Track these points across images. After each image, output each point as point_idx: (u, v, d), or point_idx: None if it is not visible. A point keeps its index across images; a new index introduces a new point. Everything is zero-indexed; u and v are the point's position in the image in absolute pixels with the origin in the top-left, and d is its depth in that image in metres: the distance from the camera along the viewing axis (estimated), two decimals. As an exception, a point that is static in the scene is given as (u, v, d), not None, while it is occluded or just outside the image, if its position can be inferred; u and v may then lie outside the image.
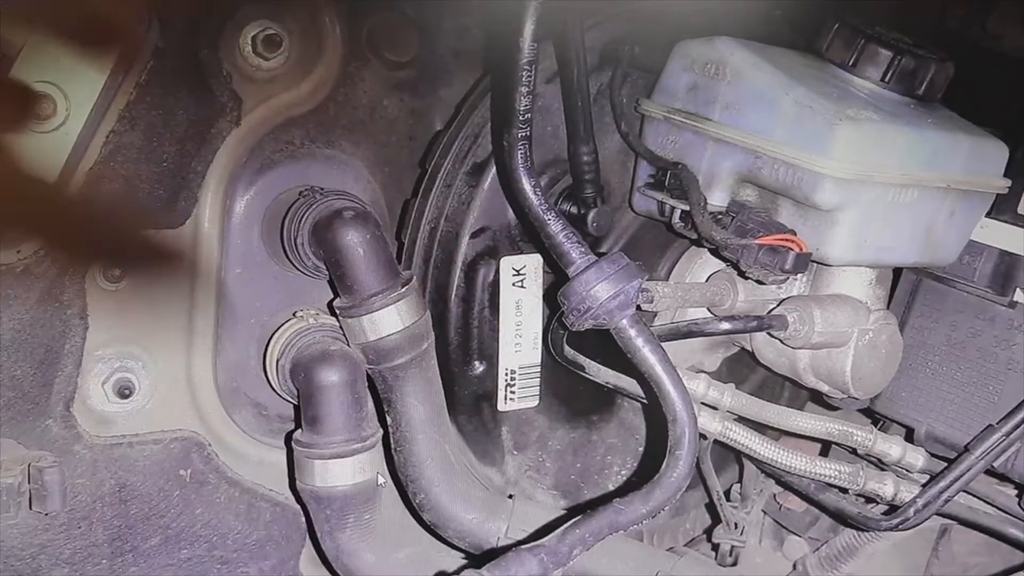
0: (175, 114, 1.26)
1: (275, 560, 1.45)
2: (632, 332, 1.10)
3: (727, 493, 1.62)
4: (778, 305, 1.34)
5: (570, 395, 1.56)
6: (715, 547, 1.61)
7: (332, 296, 1.33)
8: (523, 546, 1.02)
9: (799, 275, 1.39)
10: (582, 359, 1.41)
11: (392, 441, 1.32)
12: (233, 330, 1.36)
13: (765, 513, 1.66)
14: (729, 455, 1.67)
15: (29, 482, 1.23)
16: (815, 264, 1.34)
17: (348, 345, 1.29)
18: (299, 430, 1.29)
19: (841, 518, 1.47)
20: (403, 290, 1.25)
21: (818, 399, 1.59)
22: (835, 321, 1.31)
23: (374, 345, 1.26)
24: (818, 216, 1.25)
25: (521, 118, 1.10)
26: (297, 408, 1.30)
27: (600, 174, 1.38)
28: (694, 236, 1.33)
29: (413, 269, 1.42)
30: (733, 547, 1.59)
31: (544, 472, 1.57)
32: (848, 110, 1.21)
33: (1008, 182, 1.36)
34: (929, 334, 1.44)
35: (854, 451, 1.40)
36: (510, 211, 1.41)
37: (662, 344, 1.12)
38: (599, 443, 1.62)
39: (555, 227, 1.11)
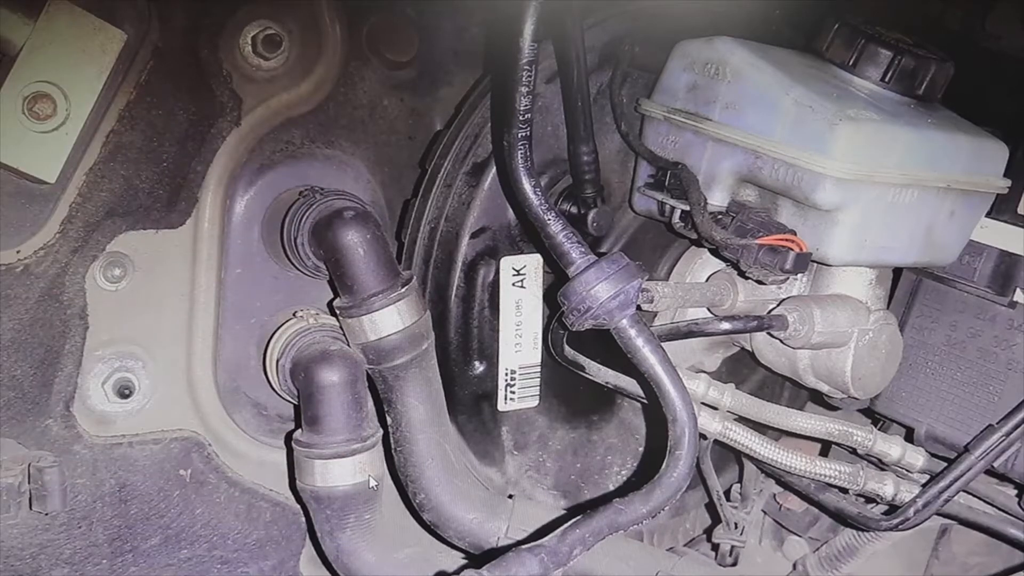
0: (175, 114, 1.26)
1: (275, 560, 1.45)
2: (632, 332, 1.10)
3: (727, 493, 1.62)
4: (778, 305, 1.34)
5: (570, 395, 1.56)
6: (715, 547, 1.61)
7: (332, 296, 1.33)
8: (523, 546, 1.02)
9: (799, 275, 1.39)
10: (582, 359, 1.41)
11: (392, 441, 1.32)
12: (233, 330, 1.36)
13: (765, 513, 1.66)
14: (729, 455, 1.67)
15: (29, 482, 1.23)
16: (815, 264, 1.34)
17: (348, 345, 1.29)
18: (299, 430, 1.29)
19: (841, 518, 1.47)
20: (403, 290, 1.25)
21: (818, 399, 1.59)
22: (835, 321, 1.31)
23: (374, 345, 1.26)
24: (818, 216, 1.25)
25: (521, 118, 1.10)
26: (297, 408, 1.30)
27: (600, 174, 1.38)
28: (694, 236, 1.33)
29: (413, 269, 1.42)
30: (733, 547, 1.59)
31: (544, 472, 1.57)
32: (848, 110, 1.21)
33: (1008, 182, 1.36)
34: (929, 334, 1.44)
35: (854, 451, 1.40)
36: (510, 211, 1.41)
37: (662, 344, 1.12)
38: (599, 443, 1.62)
39: (555, 227, 1.11)
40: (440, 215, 1.40)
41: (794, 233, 1.25)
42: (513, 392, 1.48)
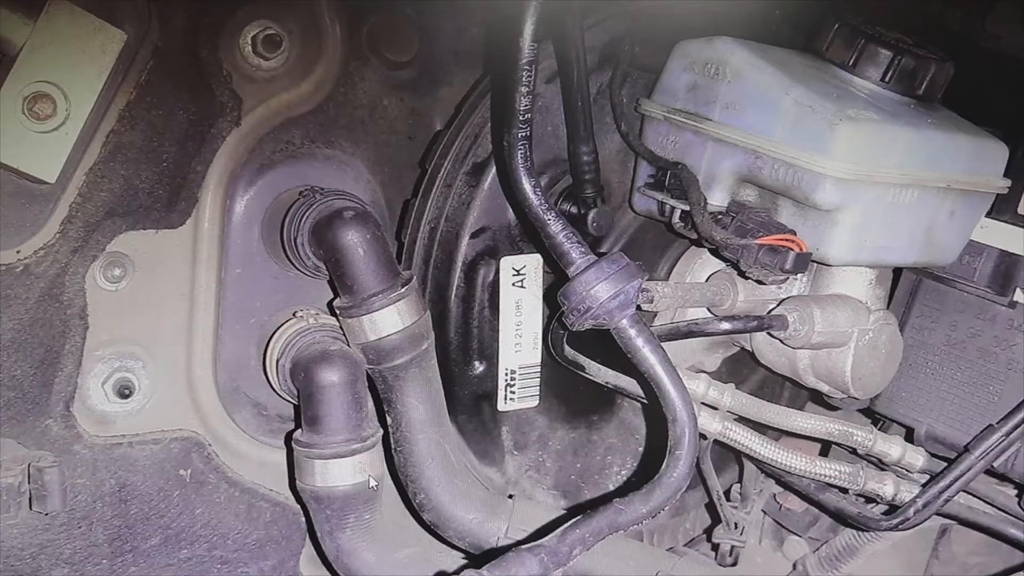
0: (175, 114, 1.26)
1: (275, 560, 1.45)
2: (632, 332, 1.10)
3: (727, 493, 1.62)
4: (778, 305, 1.34)
5: (570, 395, 1.56)
6: (715, 547, 1.61)
7: (332, 296, 1.33)
8: (523, 546, 1.02)
9: (799, 275, 1.39)
10: (582, 359, 1.41)
11: (392, 441, 1.32)
12: (233, 330, 1.36)
13: (765, 513, 1.66)
14: (729, 455, 1.67)
15: (29, 482, 1.23)
16: (815, 264, 1.34)
17: (348, 345, 1.29)
18: (299, 430, 1.29)
19: (841, 518, 1.47)
20: (403, 290, 1.25)
21: (818, 399, 1.59)
22: (835, 321, 1.31)
23: (374, 345, 1.26)
24: (818, 216, 1.25)
25: (521, 118, 1.10)
26: (297, 408, 1.30)
27: (600, 174, 1.38)
28: (694, 236, 1.33)
29: (413, 269, 1.42)
30: (733, 547, 1.59)
31: (544, 472, 1.57)
32: (848, 110, 1.21)
33: (1008, 182, 1.36)
34: (929, 334, 1.44)
35: (854, 451, 1.40)
36: (510, 211, 1.41)
37: (662, 344, 1.12)
38: (599, 443, 1.62)
39: (555, 227, 1.11)
40: (440, 215, 1.40)
41: (794, 233, 1.25)
42: (513, 392, 1.48)
